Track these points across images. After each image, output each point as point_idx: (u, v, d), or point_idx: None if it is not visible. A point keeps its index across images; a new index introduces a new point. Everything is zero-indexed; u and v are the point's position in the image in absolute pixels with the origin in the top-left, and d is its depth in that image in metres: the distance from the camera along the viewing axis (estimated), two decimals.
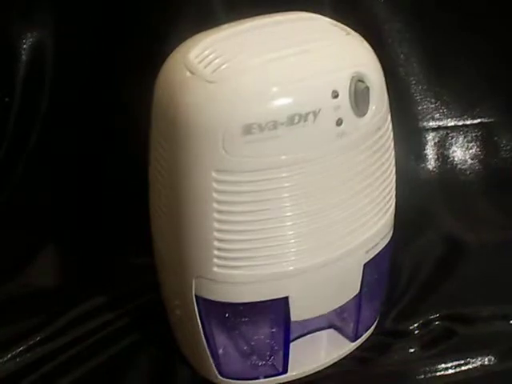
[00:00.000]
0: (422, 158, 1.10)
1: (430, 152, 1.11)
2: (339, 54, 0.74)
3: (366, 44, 0.77)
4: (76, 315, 0.92)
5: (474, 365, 0.85)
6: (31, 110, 1.00)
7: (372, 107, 0.74)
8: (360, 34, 0.78)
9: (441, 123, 1.10)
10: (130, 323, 0.92)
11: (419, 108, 1.09)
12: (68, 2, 0.97)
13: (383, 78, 0.76)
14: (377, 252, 0.81)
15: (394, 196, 0.82)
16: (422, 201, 1.07)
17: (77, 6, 0.98)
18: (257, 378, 0.83)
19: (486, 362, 0.85)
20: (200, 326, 0.79)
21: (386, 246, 0.82)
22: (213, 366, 0.82)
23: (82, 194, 1.00)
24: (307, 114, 0.70)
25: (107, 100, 1.00)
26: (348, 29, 0.77)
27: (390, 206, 0.82)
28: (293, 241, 0.74)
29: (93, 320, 0.91)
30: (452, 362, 0.85)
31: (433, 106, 1.10)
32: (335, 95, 0.71)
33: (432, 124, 1.10)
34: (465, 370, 0.84)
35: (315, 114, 0.70)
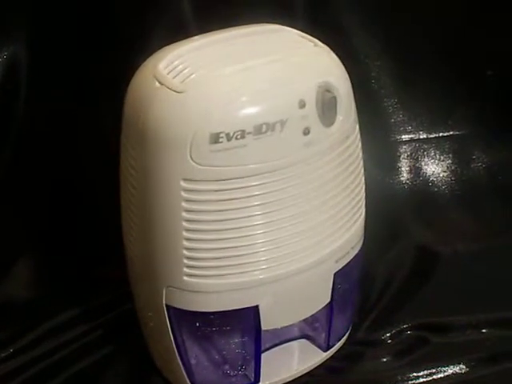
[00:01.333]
0: (395, 170, 1.11)
1: (403, 164, 1.12)
2: (306, 64, 0.75)
3: (333, 55, 0.78)
4: (49, 328, 0.92)
5: (446, 373, 0.86)
6: (5, 125, 1.00)
7: (339, 117, 0.75)
8: (332, 48, 0.79)
9: (413, 136, 1.11)
10: (103, 335, 0.92)
11: (391, 121, 1.10)
12: (42, 16, 0.98)
13: (351, 88, 0.77)
14: (347, 261, 0.82)
15: (363, 205, 0.83)
16: (395, 212, 1.08)
17: (51, 20, 0.98)
18: None
19: (457, 371, 0.86)
20: (171, 336, 0.79)
21: (356, 255, 0.83)
22: (185, 376, 0.82)
23: (55, 207, 1.00)
24: (274, 124, 0.71)
25: (82, 114, 1.00)
26: (315, 40, 0.78)
27: (360, 215, 0.82)
28: (262, 250, 0.74)
29: (66, 332, 0.92)
30: (424, 370, 0.86)
31: (405, 118, 1.10)
32: (302, 105, 0.72)
33: (404, 137, 1.11)
34: (436, 379, 0.85)
35: (282, 123, 0.71)
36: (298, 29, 0.81)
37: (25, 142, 1.00)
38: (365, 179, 0.83)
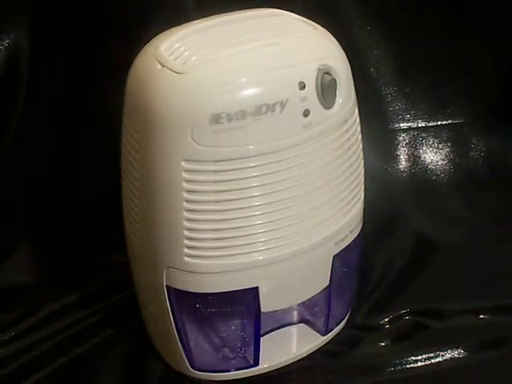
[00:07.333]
0: (393, 158, 1.12)
1: (401, 153, 1.12)
2: (306, 46, 0.76)
3: (332, 38, 0.78)
4: (50, 312, 0.93)
5: (444, 358, 0.86)
6: (6, 113, 1.00)
7: (339, 100, 0.76)
8: (331, 34, 0.79)
9: (411, 124, 1.12)
10: (103, 320, 0.92)
11: (390, 109, 1.11)
12: (43, 5, 0.98)
13: (350, 72, 0.78)
14: (346, 245, 0.82)
15: (362, 189, 0.83)
16: (393, 200, 1.08)
17: (52, 9, 0.98)
18: (228, 371, 0.84)
19: (455, 355, 0.86)
20: (171, 318, 0.80)
21: (355, 239, 0.83)
22: (184, 358, 0.83)
23: (57, 191, 1.00)
24: (274, 105, 0.71)
25: (83, 102, 1.01)
26: (315, 24, 0.78)
27: (359, 198, 0.83)
28: (262, 231, 0.75)
29: (67, 316, 0.93)
30: (422, 355, 0.86)
31: (403, 106, 1.11)
32: (302, 86, 0.72)
33: (403, 125, 1.12)
34: (435, 363, 0.86)
35: (282, 104, 0.72)
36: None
37: (26, 129, 1.00)
38: (363, 167, 0.83)
